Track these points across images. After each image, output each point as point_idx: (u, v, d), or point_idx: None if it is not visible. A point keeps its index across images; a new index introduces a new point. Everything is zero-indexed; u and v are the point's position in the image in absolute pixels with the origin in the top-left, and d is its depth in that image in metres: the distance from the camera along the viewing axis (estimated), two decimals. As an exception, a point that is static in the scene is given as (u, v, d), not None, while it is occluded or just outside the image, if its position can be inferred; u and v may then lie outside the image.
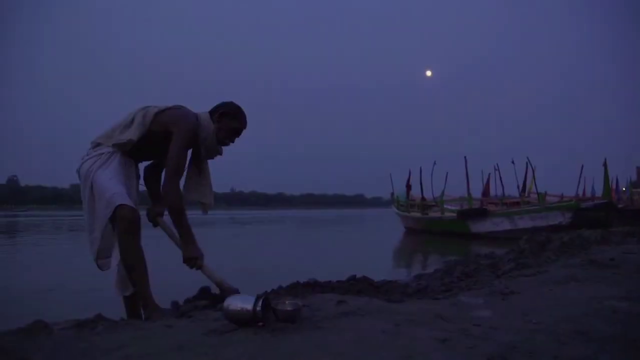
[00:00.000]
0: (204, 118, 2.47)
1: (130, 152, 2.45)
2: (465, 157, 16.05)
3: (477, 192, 17.17)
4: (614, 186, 20.17)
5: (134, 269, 2.28)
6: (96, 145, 2.46)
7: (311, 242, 13.57)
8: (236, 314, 1.69)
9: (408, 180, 18.88)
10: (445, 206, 15.69)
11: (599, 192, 18.71)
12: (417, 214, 17.00)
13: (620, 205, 17.28)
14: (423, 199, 17.73)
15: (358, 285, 3.40)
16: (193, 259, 2.35)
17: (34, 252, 9.55)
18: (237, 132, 2.56)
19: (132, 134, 2.37)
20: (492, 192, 17.99)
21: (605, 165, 14.16)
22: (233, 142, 2.58)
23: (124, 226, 2.24)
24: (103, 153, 2.39)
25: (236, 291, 2.25)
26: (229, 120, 2.51)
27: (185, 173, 2.51)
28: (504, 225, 13.36)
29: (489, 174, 17.99)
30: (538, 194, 14.31)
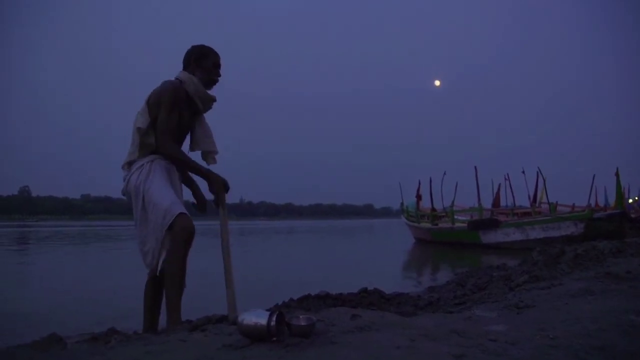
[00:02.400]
0: (183, 76, 2.54)
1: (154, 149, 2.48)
2: (475, 167, 15.99)
3: (487, 202, 17.07)
4: (626, 195, 19.94)
5: (175, 278, 2.31)
6: (128, 164, 2.51)
7: (321, 252, 13.54)
8: (250, 329, 1.69)
9: (418, 190, 18.82)
10: (455, 217, 15.59)
11: (610, 201, 18.54)
12: (427, 225, 16.91)
13: (633, 215, 17.06)
14: (433, 209, 17.64)
15: (369, 298, 3.39)
16: (220, 190, 2.40)
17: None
18: (216, 66, 2.63)
19: (141, 123, 2.44)
20: (502, 202, 17.85)
21: (617, 174, 14.02)
22: (219, 75, 2.65)
23: (184, 236, 2.30)
24: (142, 164, 2.43)
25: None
26: (204, 60, 2.58)
27: (189, 133, 2.65)
28: (516, 235, 13.24)
29: (499, 183, 17.89)
30: (549, 204, 14.17)
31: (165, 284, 2.33)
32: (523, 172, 16.25)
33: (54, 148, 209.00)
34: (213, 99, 2.64)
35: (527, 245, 11.57)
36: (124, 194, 2.52)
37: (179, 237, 2.28)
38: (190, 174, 2.72)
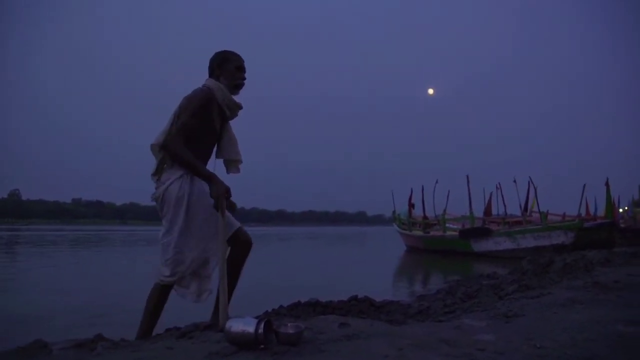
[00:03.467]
0: (210, 83, 2.53)
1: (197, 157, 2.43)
2: (467, 176, 16.06)
3: (478, 211, 17.12)
4: (616, 205, 20.10)
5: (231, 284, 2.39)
6: (159, 172, 2.49)
7: (313, 259, 13.50)
8: (238, 337, 1.68)
9: (410, 198, 18.85)
10: (447, 225, 15.63)
11: (601, 211, 18.66)
12: (419, 233, 16.94)
13: (622, 225, 17.19)
14: (425, 217, 17.66)
15: (359, 306, 3.38)
16: (220, 195, 2.30)
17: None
18: (240, 69, 2.61)
19: (158, 139, 2.43)
20: (493, 210, 17.92)
21: (607, 184, 14.13)
22: (244, 78, 2.63)
23: (248, 249, 2.53)
24: (182, 175, 2.41)
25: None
26: (227, 65, 2.58)
27: (216, 142, 2.64)
28: (507, 244, 13.30)
29: (491, 192, 17.94)
30: (540, 213, 14.25)
31: (221, 286, 2.26)
32: (514, 181, 16.34)
33: (45, 151, 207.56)
34: (239, 106, 2.63)
35: (518, 254, 11.61)
36: (154, 200, 2.49)
37: (245, 250, 2.50)
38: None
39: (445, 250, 14.68)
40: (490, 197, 17.92)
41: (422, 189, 17.75)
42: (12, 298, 5.47)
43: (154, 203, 2.51)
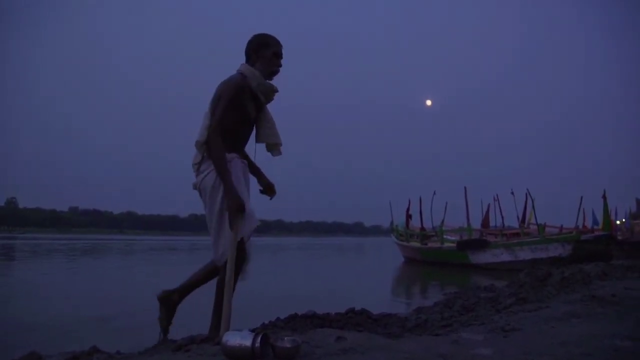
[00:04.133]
0: (245, 69, 2.54)
1: (227, 145, 2.47)
2: (465, 187, 16.09)
3: (476, 222, 17.14)
4: (613, 217, 20.13)
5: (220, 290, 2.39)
6: (194, 164, 2.54)
7: (310, 270, 13.46)
8: (234, 350, 1.67)
9: (407, 210, 18.86)
10: (444, 236, 15.62)
11: (598, 223, 18.68)
12: (417, 244, 16.92)
13: (619, 237, 17.21)
14: (422, 228, 17.67)
15: (356, 318, 3.37)
16: (234, 207, 2.31)
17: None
18: (277, 55, 2.60)
19: (199, 137, 2.47)
20: (491, 222, 17.93)
21: (604, 197, 14.17)
22: (280, 65, 2.62)
23: (240, 265, 2.44)
24: (207, 165, 2.47)
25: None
26: (263, 50, 2.56)
27: (255, 127, 2.68)
28: (504, 256, 13.29)
29: (489, 204, 17.99)
30: (538, 225, 14.27)
31: (225, 297, 2.30)
32: (512, 193, 16.38)
33: (43, 159, 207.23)
34: (275, 90, 2.64)
35: (516, 266, 11.60)
36: (195, 189, 2.56)
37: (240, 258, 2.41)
38: (253, 163, 2.78)
39: (442, 262, 14.66)
40: (488, 209, 17.96)
41: (420, 200, 17.77)
42: (10, 307, 5.43)
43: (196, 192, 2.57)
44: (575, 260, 10.44)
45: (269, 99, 2.65)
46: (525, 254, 12.90)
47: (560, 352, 1.96)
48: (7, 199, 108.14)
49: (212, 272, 2.57)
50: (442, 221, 16.35)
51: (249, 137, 2.69)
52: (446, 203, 17.18)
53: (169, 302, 2.64)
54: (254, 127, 2.70)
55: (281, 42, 2.65)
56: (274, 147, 2.74)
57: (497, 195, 17.48)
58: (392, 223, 20.32)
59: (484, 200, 18.27)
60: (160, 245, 31.36)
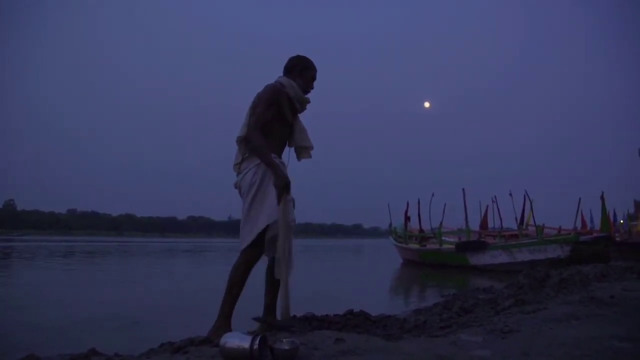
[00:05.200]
0: (284, 80, 2.86)
1: (271, 148, 2.72)
2: (463, 189, 16.11)
3: (474, 224, 17.16)
4: (611, 219, 20.16)
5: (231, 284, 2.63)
6: (235, 165, 2.80)
7: (308, 272, 13.44)
8: (233, 352, 1.67)
9: (406, 212, 18.87)
10: (443, 238, 15.62)
11: (597, 224, 18.71)
12: (415, 246, 16.92)
13: (618, 239, 17.22)
14: (421, 230, 17.65)
15: (355, 320, 3.36)
16: (280, 188, 2.56)
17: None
18: (314, 78, 2.99)
19: (241, 132, 2.73)
20: (490, 224, 17.94)
21: (602, 198, 14.19)
22: (313, 88, 2.99)
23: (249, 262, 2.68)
24: (259, 163, 2.68)
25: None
26: (307, 71, 2.94)
27: (290, 133, 2.95)
28: (503, 258, 13.29)
29: (487, 205, 17.99)
30: (536, 226, 14.28)
31: (282, 278, 2.57)
32: (510, 194, 16.38)
33: (42, 161, 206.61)
34: (308, 101, 2.96)
35: (514, 268, 11.60)
36: (236, 188, 2.81)
37: (254, 254, 2.65)
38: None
39: (441, 264, 14.66)
40: (487, 211, 17.96)
41: (419, 202, 17.78)
42: (8, 309, 5.41)
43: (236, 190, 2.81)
44: (573, 261, 10.43)
45: (303, 108, 2.97)
46: (523, 256, 12.90)
47: (559, 353, 1.96)
48: (5, 201, 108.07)
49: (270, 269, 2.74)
50: (441, 223, 16.35)
51: (286, 140, 2.95)
52: (445, 205, 17.19)
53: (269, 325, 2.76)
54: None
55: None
56: (303, 151, 3.00)
57: (495, 197, 17.49)
58: (390, 225, 20.31)
59: (483, 202, 18.30)
60: (160, 247, 31.33)
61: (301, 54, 3.03)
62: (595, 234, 14.42)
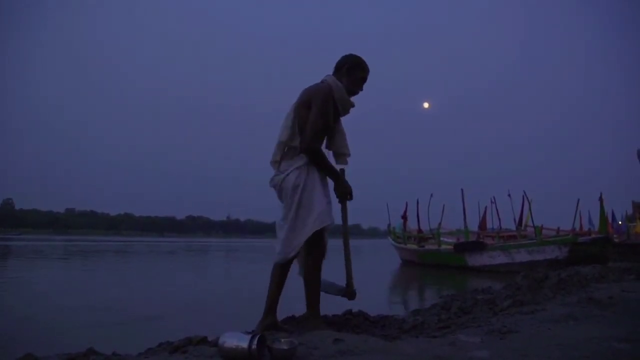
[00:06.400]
0: (331, 81, 2.75)
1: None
2: (462, 190, 16.11)
3: (473, 224, 17.16)
4: (610, 220, 20.18)
5: (315, 284, 2.78)
6: (274, 162, 2.76)
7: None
8: (231, 352, 1.67)
9: (405, 212, 18.87)
10: (441, 239, 15.64)
11: (595, 225, 18.72)
12: (414, 246, 16.93)
13: (616, 240, 17.23)
14: (420, 231, 17.66)
15: (354, 320, 3.36)
16: (343, 195, 2.74)
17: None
18: (364, 80, 2.85)
19: (282, 137, 2.70)
20: (488, 224, 17.94)
21: (601, 199, 14.20)
22: (362, 89, 2.87)
23: (323, 252, 2.78)
24: (301, 166, 2.66)
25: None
26: (356, 71, 2.79)
27: (330, 136, 2.89)
28: (501, 258, 13.30)
29: (486, 206, 18.00)
30: (535, 227, 14.29)
31: (307, 285, 2.76)
32: (509, 195, 16.40)
33: (40, 160, 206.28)
34: (352, 105, 2.85)
35: (512, 269, 11.61)
36: (273, 187, 2.78)
37: (321, 252, 2.73)
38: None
39: (439, 264, 14.67)
40: (485, 211, 17.97)
41: (417, 203, 17.79)
42: (6, 309, 5.41)
43: (272, 189, 2.80)
44: (572, 262, 10.45)
45: (346, 111, 2.85)
46: (522, 256, 12.92)
47: (557, 354, 1.96)
48: (3, 200, 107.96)
49: (280, 274, 2.79)
50: (440, 223, 16.37)
51: (322, 142, 2.85)
52: (443, 205, 17.19)
53: (273, 326, 2.80)
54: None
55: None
56: (341, 157, 2.93)
57: (494, 197, 17.51)
58: (389, 225, 20.32)
59: (481, 203, 18.31)
60: (162, 247, 31.30)
61: (355, 53, 2.89)
62: (593, 235, 14.43)
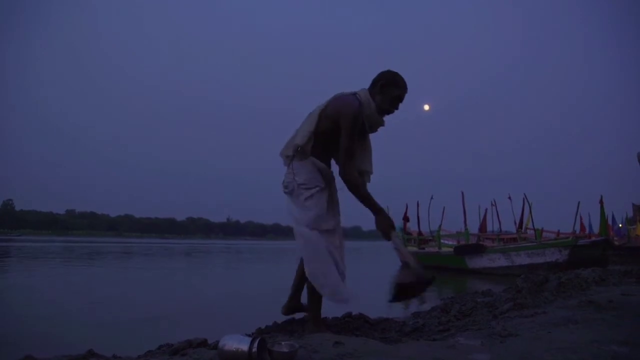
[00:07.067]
0: (363, 96, 2.61)
1: (317, 151, 2.63)
2: (462, 192, 16.12)
3: (473, 227, 17.16)
4: (610, 223, 20.20)
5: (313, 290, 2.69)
6: (286, 156, 2.71)
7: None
8: (231, 355, 1.67)
9: (405, 214, 18.87)
10: (442, 241, 15.64)
11: (595, 228, 18.73)
12: (414, 249, 16.92)
13: (616, 242, 17.25)
14: (420, 233, 17.66)
15: (354, 323, 3.35)
16: (385, 232, 2.59)
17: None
18: (399, 99, 2.67)
19: (299, 139, 2.61)
20: (489, 227, 17.95)
21: (601, 202, 14.20)
22: (397, 108, 2.70)
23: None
24: (297, 166, 2.63)
25: (426, 278, 2.66)
26: (390, 89, 2.62)
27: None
28: (501, 261, 13.30)
29: (486, 209, 18.01)
30: (535, 230, 14.29)
31: (308, 288, 2.70)
32: (509, 197, 16.41)
33: (40, 161, 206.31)
34: (382, 124, 2.73)
35: (512, 272, 11.60)
36: (285, 186, 2.71)
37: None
38: None
39: (439, 267, 14.67)
40: (486, 214, 17.98)
41: (418, 205, 17.79)
42: (6, 310, 5.41)
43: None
44: (572, 265, 10.44)
45: (373, 130, 2.75)
46: (522, 259, 12.91)
47: (558, 358, 1.96)
48: (3, 201, 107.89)
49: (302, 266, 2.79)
50: (440, 226, 16.37)
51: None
52: (444, 208, 17.20)
53: (295, 309, 2.95)
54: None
55: (407, 89, 2.71)
56: (364, 174, 2.81)
57: (494, 200, 17.52)
58: (389, 227, 20.29)
59: (482, 205, 18.31)
60: (159, 247, 31.28)
61: (392, 69, 2.72)
62: (594, 238, 14.43)
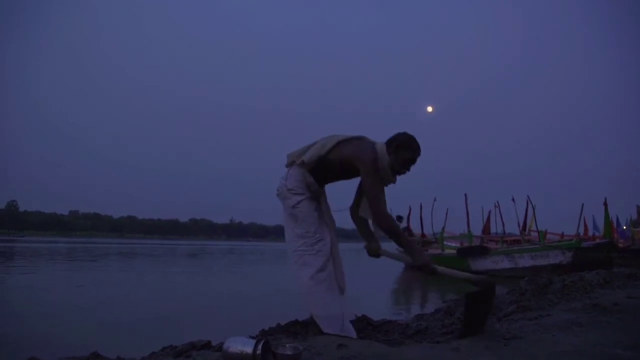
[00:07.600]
0: (380, 149, 2.65)
1: (315, 172, 2.73)
2: (465, 194, 16.10)
3: (477, 229, 17.14)
4: (614, 225, 20.12)
5: None
6: (290, 161, 2.79)
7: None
8: (235, 357, 1.67)
9: (408, 216, 18.87)
10: (445, 243, 15.61)
11: (600, 230, 18.66)
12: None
13: (620, 245, 17.18)
14: (423, 235, 17.64)
15: (357, 325, 3.34)
16: (425, 265, 2.63)
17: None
18: (412, 161, 2.73)
19: (306, 156, 2.68)
20: (492, 229, 17.92)
21: (605, 204, 14.16)
22: (409, 170, 2.75)
23: None
24: (290, 173, 2.72)
25: (488, 282, 2.83)
26: (404, 151, 2.67)
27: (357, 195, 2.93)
28: (505, 263, 13.27)
29: (490, 211, 17.99)
30: (539, 232, 14.25)
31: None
32: (513, 199, 16.38)
33: (45, 162, 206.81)
34: (393, 182, 2.76)
35: (516, 274, 11.58)
36: (277, 190, 2.80)
37: None
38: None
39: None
40: (489, 216, 17.95)
41: (421, 207, 17.78)
42: (10, 312, 5.42)
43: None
44: (576, 267, 10.41)
45: (384, 184, 2.76)
46: (525, 261, 12.88)
47: (562, 361, 1.95)
48: (7, 202, 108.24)
49: None
50: (443, 228, 16.35)
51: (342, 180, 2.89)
52: (447, 209, 17.20)
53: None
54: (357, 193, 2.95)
55: (420, 152, 2.75)
56: (363, 217, 2.98)
57: (497, 202, 17.50)
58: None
59: (485, 207, 18.29)
60: (161, 249, 31.33)
61: (408, 132, 2.77)
62: (597, 240, 14.38)
